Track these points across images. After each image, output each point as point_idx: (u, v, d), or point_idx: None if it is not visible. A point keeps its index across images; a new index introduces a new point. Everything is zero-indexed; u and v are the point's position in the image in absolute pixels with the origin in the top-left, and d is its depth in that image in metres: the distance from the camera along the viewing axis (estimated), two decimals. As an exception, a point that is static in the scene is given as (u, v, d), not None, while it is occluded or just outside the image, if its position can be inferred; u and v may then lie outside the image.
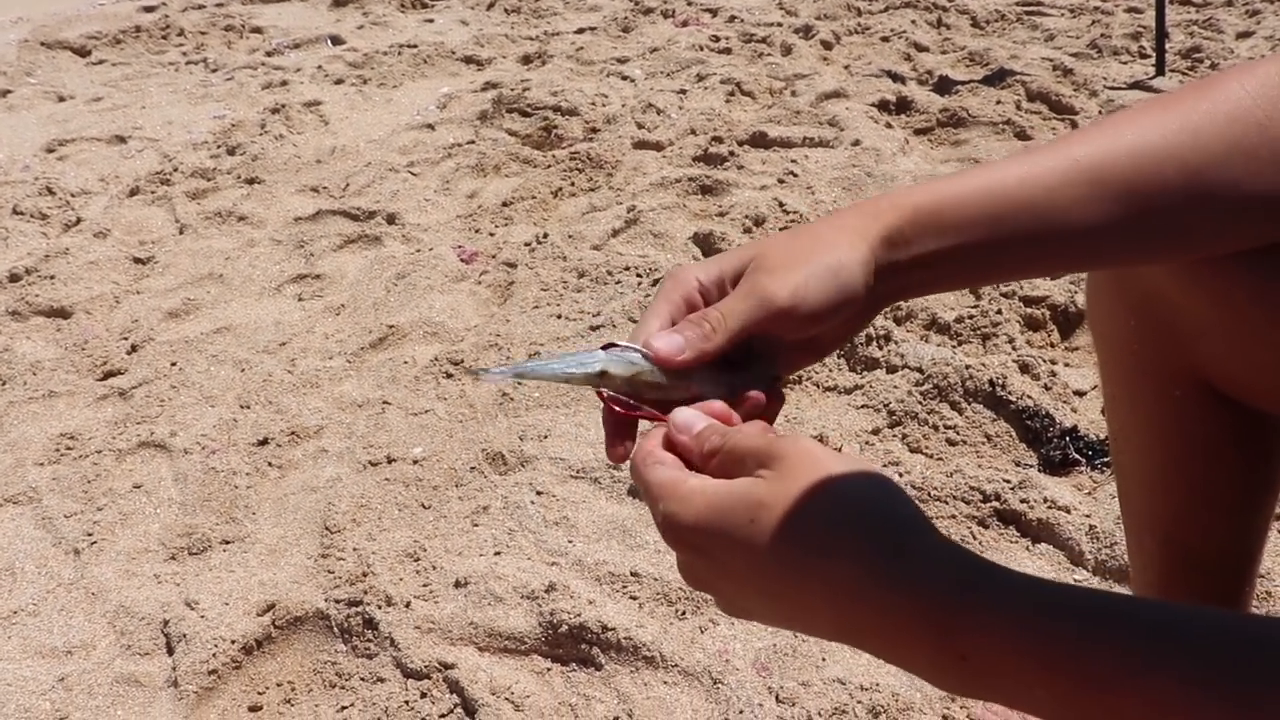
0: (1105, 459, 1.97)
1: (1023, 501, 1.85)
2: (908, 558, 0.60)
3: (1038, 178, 0.76)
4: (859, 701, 1.51)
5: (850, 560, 0.61)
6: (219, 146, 4.08)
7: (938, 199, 0.77)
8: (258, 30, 6.01)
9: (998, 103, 3.82)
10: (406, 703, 1.58)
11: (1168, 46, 4.12)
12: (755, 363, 0.78)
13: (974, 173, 0.78)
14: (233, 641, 1.72)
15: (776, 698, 1.53)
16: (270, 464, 2.18)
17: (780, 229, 2.89)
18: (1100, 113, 3.68)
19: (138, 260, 3.18)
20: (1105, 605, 0.55)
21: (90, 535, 2.03)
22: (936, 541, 0.61)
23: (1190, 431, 1.04)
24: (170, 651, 1.74)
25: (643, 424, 0.78)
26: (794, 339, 0.78)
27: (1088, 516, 1.81)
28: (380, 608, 1.72)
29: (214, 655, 1.70)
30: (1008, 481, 1.90)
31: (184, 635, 1.74)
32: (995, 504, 1.86)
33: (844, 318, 0.76)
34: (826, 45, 4.86)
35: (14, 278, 3.04)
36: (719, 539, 0.65)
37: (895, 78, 4.26)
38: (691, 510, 0.66)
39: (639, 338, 0.77)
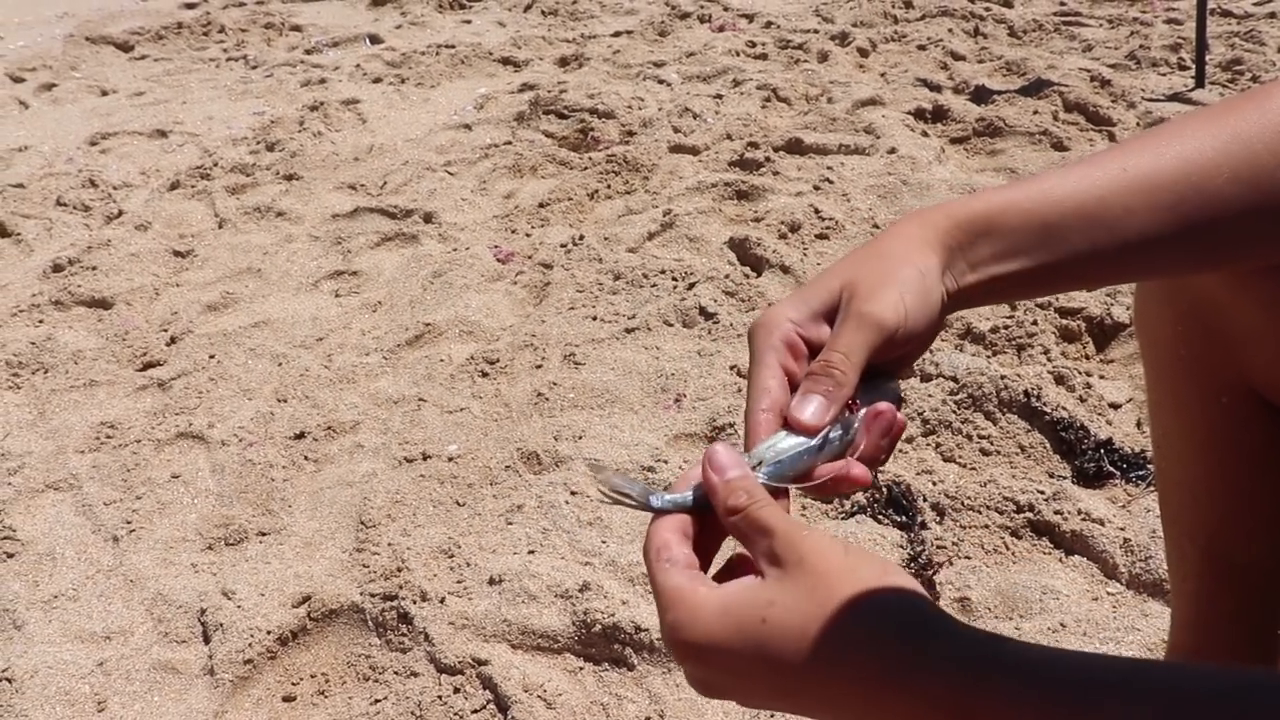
0: (1140, 472, 1.96)
1: (1056, 513, 1.84)
2: (930, 646, 0.60)
3: (1088, 188, 0.76)
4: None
5: (876, 650, 0.61)
6: (258, 142, 4.12)
7: (988, 206, 0.78)
8: (297, 28, 6.06)
9: (1035, 113, 3.81)
10: (439, 698, 1.60)
11: (1208, 58, 4.09)
12: (872, 383, 0.78)
13: (1024, 182, 0.79)
14: (268, 632, 1.74)
15: (807, 702, 1.53)
16: (306, 458, 2.21)
17: (816, 236, 2.90)
18: (1138, 125, 3.67)
19: (177, 253, 3.22)
20: (1095, 676, 0.57)
21: (129, 523, 2.06)
22: (955, 629, 0.61)
23: (1236, 439, 1.03)
24: (207, 640, 1.77)
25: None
26: (888, 358, 0.78)
27: (1122, 529, 1.80)
28: (415, 603, 1.74)
29: (250, 645, 1.72)
30: (1041, 493, 1.90)
31: (220, 624, 1.77)
32: (1029, 515, 1.86)
33: (932, 330, 0.78)
34: (863, 53, 4.86)
35: (57, 268, 3.09)
36: (731, 648, 0.64)
37: (932, 86, 4.25)
38: (700, 625, 0.64)
39: (760, 402, 0.75)
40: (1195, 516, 1.13)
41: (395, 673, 1.67)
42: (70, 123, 4.55)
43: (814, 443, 0.74)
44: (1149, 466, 1.96)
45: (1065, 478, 1.98)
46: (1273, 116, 0.75)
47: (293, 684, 1.69)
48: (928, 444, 2.09)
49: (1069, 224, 0.76)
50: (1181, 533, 1.18)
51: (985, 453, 2.05)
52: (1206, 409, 1.04)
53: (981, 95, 4.10)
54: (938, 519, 1.89)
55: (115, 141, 4.22)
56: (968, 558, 1.80)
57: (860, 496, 1.93)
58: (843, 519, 1.91)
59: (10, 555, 2.00)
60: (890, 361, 0.78)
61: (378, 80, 4.94)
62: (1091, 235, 0.76)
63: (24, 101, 4.89)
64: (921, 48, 4.86)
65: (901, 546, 1.84)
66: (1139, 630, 1.62)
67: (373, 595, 1.77)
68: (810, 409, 0.74)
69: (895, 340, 0.75)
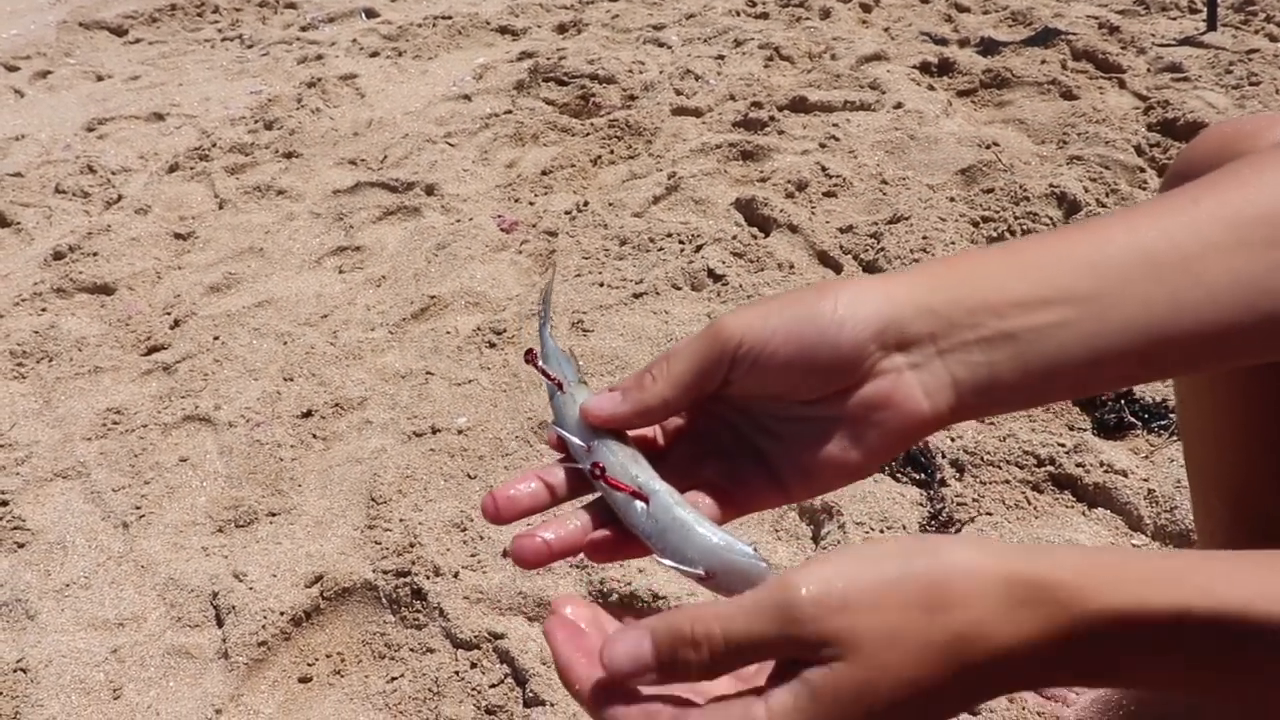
0: (1162, 422, 1.92)
1: (1078, 465, 1.81)
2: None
3: (1147, 225, 0.59)
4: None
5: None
6: (256, 121, 4.08)
7: (1007, 246, 0.62)
8: (292, 5, 5.99)
9: (1043, 62, 3.74)
10: (457, 673, 1.57)
11: (1220, 0, 4.01)
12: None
13: (1051, 232, 0.63)
14: (281, 613, 1.72)
15: (831, 665, 1.50)
16: (315, 436, 2.18)
17: (824, 193, 2.85)
18: (1149, 71, 3.60)
19: (178, 236, 3.18)
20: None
21: (138, 509, 2.03)
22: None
23: (1265, 387, 0.99)
24: (220, 623, 1.75)
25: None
26: (782, 409, 0.65)
27: (1145, 480, 1.76)
28: (428, 578, 1.71)
29: (263, 627, 1.70)
30: (1062, 445, 1.86)
31: (233, 607, 1.74)
32: (1050, 468, 1.82)
33: (844, 384, 0.62)
34: (865, 8, 4.78)
35: (58, 255, 3.06)
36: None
37: (937, 40, 4.18)
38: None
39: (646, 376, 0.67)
40: (1222, 470, 1.09)
41: (411, 650, 1.64)
42: (66, 109, 4.51)
43: (580, 441, 0.66)
44: (1171, 416, 1.92)
45: (1085, 430, 1.94)
46: None
47: (308, 664, 1.67)
48: (944, 400, 2.05)
49: (1131, 264, 0.58)
50: (1208, 487, 1.14)
51: (1003, 407, 2.01)
52: None
53: (988, 47, 4.03)
54: (957, 475, 1.86)
55: (112, 126, 4.18)
56: (989, 514, 1.76)
57: (877, 455, 1.90)
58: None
59: (21, 545, 1.98)
60: (809, 437, 0.64)
61: (375, 54, 4.89)
62: (1165, 280, 0.58)
63: (19, 90, 4.84)
64: (925, 1, 4.78)
65: (921, 505, 1.81)
66: (1167, 581, 1.59)
67: (385, 572, 1.74)
68: (604, 395, 0.67)
69: (749, 366, 0.63)
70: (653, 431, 0.72)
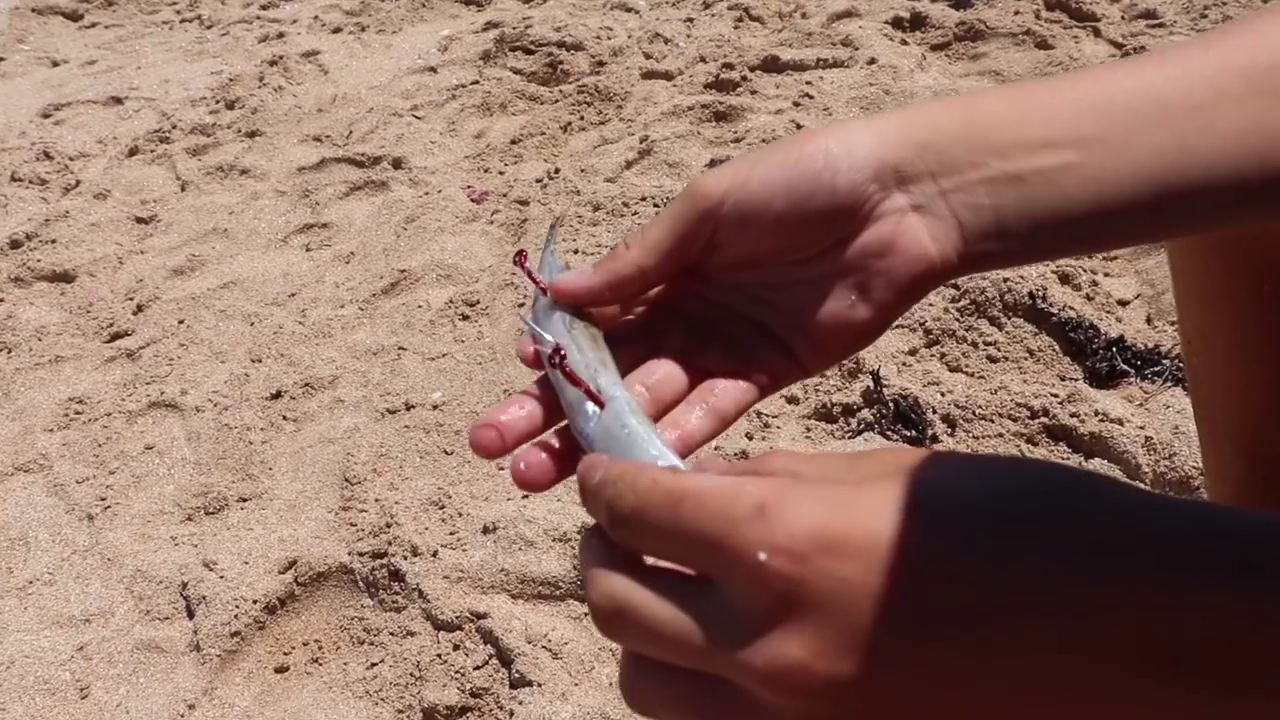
0: (1155, 369, 1.87)
1: (1073, 416, 1.75)
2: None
3: (1155, 70, 0.54)
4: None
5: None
6: (218, 102, 3.97)
7: (1012, 87, 0.57)
8: (251, -16, 5.87)
9: (1016, 13, 3.67)
10: (439, 656, 1.51)
11: (1192, -56, 3.94)
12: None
13: (1062, 75, 0.58)
14: (255, 601, 1.65)
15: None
16: (285, 417, 2.11)
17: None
18: (1123, 19, 3.54)
19: (140, 220, 3.09)
20: None
21: (103, 500, 1.96)
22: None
23: (1278, 326, 0.94)
24: (190, 615, 1.68)
25: None
26: (736, 262, 0.60)
27: (1141, 428, 1.71)
28: (406, 558, 1.65)
29: (236, 616, 1.63)
30: (1055, 396, 1.81)
31: (204, 597, 1.68)
32: (1044, 420, 1.77)
33: (842, 234, 0.57)
34: (835, -35, 4.71)
35: (15, 244, 2.96)
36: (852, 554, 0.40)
37: (909, -7, 4.11)
38: (795, 515, 0.41)
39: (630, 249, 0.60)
40: (1233, 414, 1.04)
41: (391, 633, 1.58)
42: (20, 96, 4.39)
43: (549, 336, 0.59)
44: (1164, 362, 1.87)
45: (1078, 379, 1.89)
46: None
47: (284, 654, 1.61)
48: (932, 355, 1.99)
49: (1139, 108, 0.53)
50: (1218, 433, 1.08)
51: (993, 359, 1.95)
52: (1245, 300, 0.94)
53: (959, 0, 3.96)
54: (949, 431, 1.80)
55: (69, 112, 4.07)
56: (983, 469, 1.71)
57: (867, 413, 1.84)
58: (849, 437, 1.82)
59: (-19, 542, 1.91)
60: (807, 299, 0.59)
61: (337, 30, 4.78)
62: (1174, 126, 0.53)
63: (-27, 79, 4.72)
64: (895, -44, 4.70)
65: (913, 463, 1.75)
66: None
67: (361, 554, 1.68)
68: (575, 269, 0.60)
69: (736, 225, 0.57)
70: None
